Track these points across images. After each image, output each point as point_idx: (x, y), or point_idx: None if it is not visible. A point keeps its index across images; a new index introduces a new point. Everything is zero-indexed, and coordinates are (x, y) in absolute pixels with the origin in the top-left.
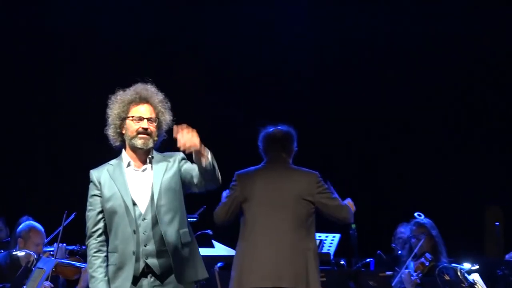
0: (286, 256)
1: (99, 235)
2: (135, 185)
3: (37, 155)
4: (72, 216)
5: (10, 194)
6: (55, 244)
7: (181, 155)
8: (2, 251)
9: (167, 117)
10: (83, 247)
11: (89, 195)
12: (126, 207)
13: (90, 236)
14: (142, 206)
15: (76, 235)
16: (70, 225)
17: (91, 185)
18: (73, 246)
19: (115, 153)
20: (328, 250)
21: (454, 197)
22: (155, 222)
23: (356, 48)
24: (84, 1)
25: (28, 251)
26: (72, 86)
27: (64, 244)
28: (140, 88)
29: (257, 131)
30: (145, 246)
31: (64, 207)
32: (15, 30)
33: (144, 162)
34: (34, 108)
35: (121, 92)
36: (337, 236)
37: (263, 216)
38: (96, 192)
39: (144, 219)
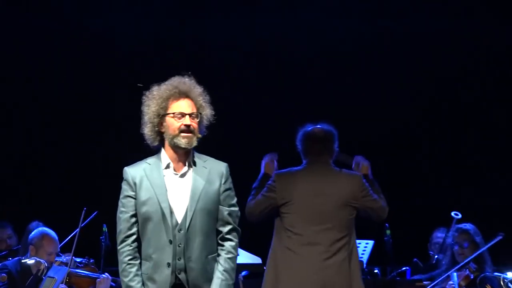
0: (330, 273)
1: (133, 241)
2: (173, 191)
3: (43, 157)
4: (93, 215)
5: (16, 198)
6: (62, 255)
7: (224, 172)
8: (10, 258)
9: (208, 111)
10: (91, 260)
11: (122, 195)
12: (163, 214)
13: (123, 241)
14: (179, 215)
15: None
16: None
17: (125, 184)
18: (81, 259)
19: (125, 152)
20: (361, 257)
21: (494, 198)
22: (189, 236)
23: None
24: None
25: (38, 259)
26: (76, 86)
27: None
28: (177, 81)
29: (263, 129)
30: (178, 260)
31: (74, 212)
32: (17, 28)
33: (184, 165)
34: (35, 109)
35: (156, 87)
36: (371, 242)
37: (304, 223)
38: (131, 193)
39: (180, 229)
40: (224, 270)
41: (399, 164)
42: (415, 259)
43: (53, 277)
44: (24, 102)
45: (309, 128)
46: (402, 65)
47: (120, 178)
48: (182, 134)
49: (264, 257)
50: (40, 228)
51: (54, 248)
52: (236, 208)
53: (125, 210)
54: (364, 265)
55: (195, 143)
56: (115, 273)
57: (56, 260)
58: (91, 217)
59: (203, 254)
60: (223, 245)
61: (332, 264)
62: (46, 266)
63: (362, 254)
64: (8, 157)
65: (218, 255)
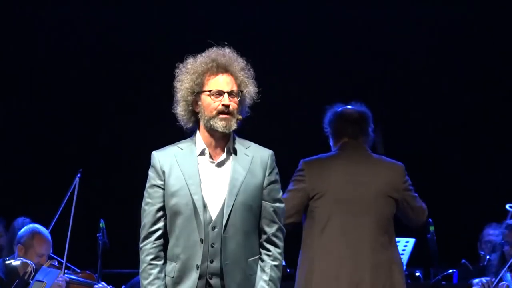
0: (367, 275)
1: (158, 238)
2: (208, 182)
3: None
4: (77, 178)
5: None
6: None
7: (269, 161)
8: None
9: (251, 88)
10: (87, 272)
11: (148, 184)
12: (195, 208)
13: (146, 238)
14: (214, 210)
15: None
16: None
17: (152, 172)
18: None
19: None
20: (401, 258)
21: None
22: (225, 235)
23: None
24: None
25: (25, 260)
26: (59, 76)
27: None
28: (215, 53)
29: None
30: (211, 262)
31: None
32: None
33: (222, 151)
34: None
35: (191, 60)
36: (411, 241)
37: (339, 217)
38: (159, 182)
39: (214, 227)
40: (270, 280)
41: (445, 150)
42: (463, 260)
43: (42, 281)
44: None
45: (340, 109)
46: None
47: (118, 169)
48: (220, 116)
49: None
50: (30, 225)
51: (46, 249)
52: (282, 204)
53: (151, 202)
54: (404, 267)
55: (234, 126)
56: (114, 278)
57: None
58: (75, 181)
59: (243, 257)
60: (268, 250)
61: (373, 263)
62: (33, 268)
63: (402, 254)
64: None
65: (262, 260)
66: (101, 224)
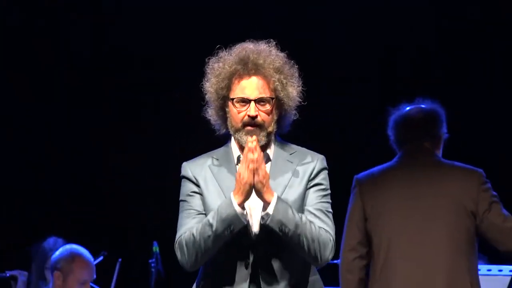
0: None
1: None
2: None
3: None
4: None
5: None
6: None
7: (317, 165)
8: None
9: (290, 90)
10: None
11: (183, 195)
12: None
13: (183, 233)
14: (255, 229)
15: None
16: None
17: (185, 183)
18: None
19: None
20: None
21: None
22: (269, 256)
23: None
24: None
25: None
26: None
27: None
28: (245, 50)
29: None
30: (249, 285)
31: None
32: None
33: None
34: None
35: (221, 54)
36: None
37: (403, 240)
38: (196, 189)
39: (254, 246)
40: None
41: None
42: None
43: None
44: None
45: (405, 110)
46: None
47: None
48: (247, 128)
49: None
50: (67, 246)
51: (88, 275)
52: (327, 204)
53: (191, 208)
54: None
55: (263, 141)
56: None
57: None
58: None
59: (287, 278)
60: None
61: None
62: None
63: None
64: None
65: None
66: (154, 248)
